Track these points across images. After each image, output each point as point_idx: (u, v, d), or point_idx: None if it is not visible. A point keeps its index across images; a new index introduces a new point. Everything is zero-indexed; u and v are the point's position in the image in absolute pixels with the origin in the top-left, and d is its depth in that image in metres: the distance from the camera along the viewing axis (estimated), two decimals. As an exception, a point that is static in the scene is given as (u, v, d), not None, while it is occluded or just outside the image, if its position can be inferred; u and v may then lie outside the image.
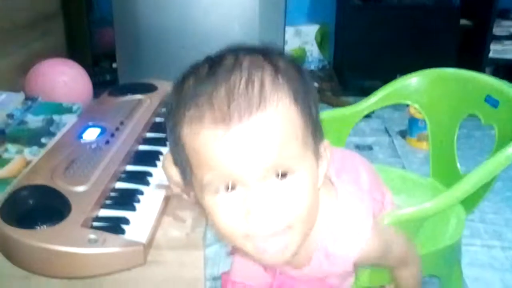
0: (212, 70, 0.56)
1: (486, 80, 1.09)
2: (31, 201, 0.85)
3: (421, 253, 0.87)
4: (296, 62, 0.60)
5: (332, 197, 0.69)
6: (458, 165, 1.12)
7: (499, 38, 2.74)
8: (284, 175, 0.55)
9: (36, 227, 0.77)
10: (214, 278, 1.30)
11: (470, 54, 2.79)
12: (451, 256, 1.06)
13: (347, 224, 0.68)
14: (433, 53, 2.60)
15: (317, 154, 0.60)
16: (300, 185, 0.56)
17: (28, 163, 1.11)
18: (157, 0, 2.32)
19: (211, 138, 0.53)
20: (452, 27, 2.70)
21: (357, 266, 0.74)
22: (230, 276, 0.90)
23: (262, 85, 0.53)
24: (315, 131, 0.59)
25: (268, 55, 0.57)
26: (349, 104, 1.21)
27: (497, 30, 2.72)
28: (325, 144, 0.62)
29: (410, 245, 0.81)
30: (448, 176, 1.13)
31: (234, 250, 0.91)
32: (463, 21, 2.75)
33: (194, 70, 0.59)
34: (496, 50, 2.74)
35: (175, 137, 0.59)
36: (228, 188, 0.55)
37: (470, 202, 1.02)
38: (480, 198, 1.01)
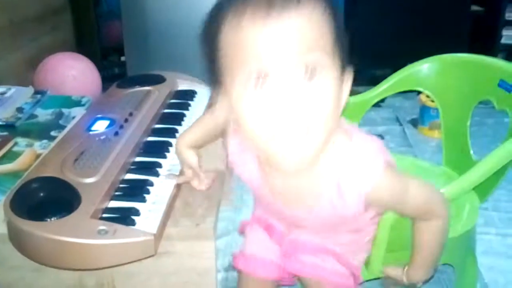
0: None
1: (499, 65, 1.06)
2: (41, 193, 0.85)
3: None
4: None
5: (346, 139, 0.70)
6: (472, 152, 1.10)
7: (511, 24, 2.69)
8: (312, 73, 0.58)
9: (47, 219, 0.77)
10: (226, 269, 1.30)
11: (482, 40, 2.75)
12: (466, 244, 1.05)
13: (359, 160, 0.68)
14: (444, 39, 2.55)
15: (342, 75, 0.63)
16: (325, 90, 0.59)
17: (38, 156, 1.12)
18: (164, -8, 2.31)
19: (249, 29, 0.57)
20: (463, 13, 2.65)
21: (370, 206, 0.72)
22: (242, 251, 0.90)
23: None
24: (342, 54, 0.63)
25: None
26: (359, 93, 1.19)
27: (509, 16, 2.67)
28: (349, 73, 0.66)
29: (435, 195, 0.77)
30: (461, 163, 1.12)
31: (244, 227, 0.93)
32: (474, 7, 2.70)
33: None
34: (509, 36, 2.70)
35: (212, 41, 0.63)
36: (258, 84, 0.58)
37: (483, 190, 1.00)
38: (494, 185, 1.00)
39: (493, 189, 1.01)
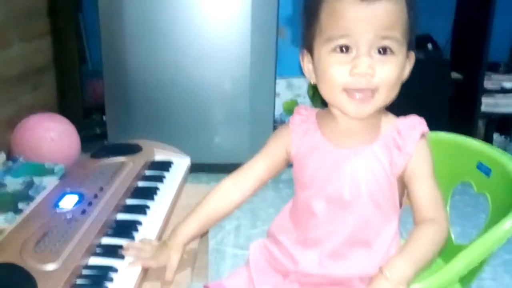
0: None
1: (478, 146, 1.05)
2: (-5, 282, 0.79)
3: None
4: None
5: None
6: (452, 234, 1.07)
7: (491, 92, 2.75)
8: (384, 51, 0.77)
9: (-3, 314, 0.71)
10: None
11: (462, 107, 2.79)
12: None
13: (410, 119, 0.88)
14: (425, 107, 2.57)
15: (407, 54, 0.81)
16: (393, 63, 0.77)
17: (1, 231, 1.06)
18: (147, 54, 2.33)
19: (347, 4, 0.75)
20: (443, 80, 2.71)
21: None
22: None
23: None
24: (411, 37, 0.80)
25: None
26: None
27: (488, 84, 2.73)
28: (412, 54, 0.83)
29: (443, 204, 0.87)
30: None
31: None
32: (454, 75, 2.76)
33: None
34: (488, 104, 2.75)
35: (314, 9, 0.80)
36: (343, 49, 0.77)
37: (466, 277, 0.97)
38: (478, 272, 0.96)
39: (476, 276, 0.98)
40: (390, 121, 0.87)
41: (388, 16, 0.75)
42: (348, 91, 0.78)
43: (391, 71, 0.77)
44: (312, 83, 0.85)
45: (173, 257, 0.90)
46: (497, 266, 1.65)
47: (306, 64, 0.85)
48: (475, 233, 0.97)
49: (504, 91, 2.75)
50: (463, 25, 2.85)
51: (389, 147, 0.84)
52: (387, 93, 0.79)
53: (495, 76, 2.77)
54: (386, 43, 0.76)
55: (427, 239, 0.82)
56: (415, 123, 0.86)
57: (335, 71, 0.77)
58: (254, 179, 0.94)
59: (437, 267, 0.93)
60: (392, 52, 0.77)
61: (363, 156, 0.84)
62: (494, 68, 2.78)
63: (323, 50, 0.79)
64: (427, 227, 0.83)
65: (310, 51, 0.83)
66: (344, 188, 0.84)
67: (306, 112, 0.92)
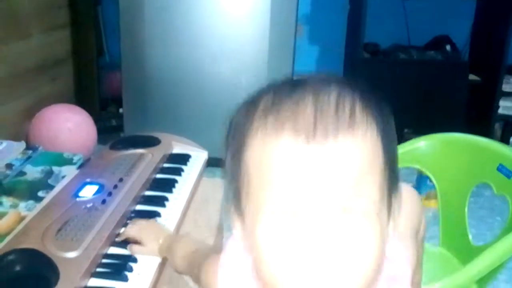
0: (296, 88, 0.49)
1: (498, 148, 1.05)
2: (18, 267, 0.81)
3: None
4: (378, 95, 0.53)
5: None
6: (470, 237, 1.07)
7: (508, 95, 2.72)
8: (353, 212, 0.46)
9: (20, 298, 0.73)
10: None
11: (479, 110, 2.77)
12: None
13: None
14: (442, 108, 2.58)
15: (389, 207, 0.51)
16: (370, 233, 0.47)
17: (22, 218, 1.08)
18: (165, 48, 2.34)
19: (286, 151, 0.46)
20: (460, 82, 2.69)
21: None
22: None
23: (353, 106, 0.48)
24: (392, 181, 0.50)
25: (352, 82, 0.52)
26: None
27: (506, 87, 2.70)
28: (399, 197, 0.52)
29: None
30: (459, 247, 1.08)
31: None
32: (471, 77, 2.74)
33: (272, 88, 0.52)
34: (506, 107, 2.72)
35: (237, 154, 0.51)
36: (286, 215, 0.47)
37: (483, 279, 0.97)
38: (495, 274, 0.96)
39: (493, 278, 0.98)
40: None
41: (355, 161, 0.46)
42: (300, 282, 0.47)
43: (368, 246, 0.47)
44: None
45: (151, 252, 0.90)
46: (512, 269, 1.64)
47: (235, 225, 0.55)
48: (490, 235, 0.97)
49: (522, 94, 2.73)
50: (482, 27, 2.83)
51: None
52: (364, 280, 0.48)
53: (513, 79, 2.74)
54: (355, 203, 0.46)
55: None
56: (402, 256, 0.59)
57: (277, 252, 0.47)
58: None
59: (454, 267, 0.93)
60: (366, 216, 0.47)
61: None
62: (513, 71, 2.75)
63: (258, 221, 0.49)
64: None
65: (242, 213, 0.53)
66: None
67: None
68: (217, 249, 0.70)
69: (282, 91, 0.50)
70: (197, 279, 0.75)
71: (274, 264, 0.48)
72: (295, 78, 0.54)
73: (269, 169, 0.47)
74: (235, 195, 0.53)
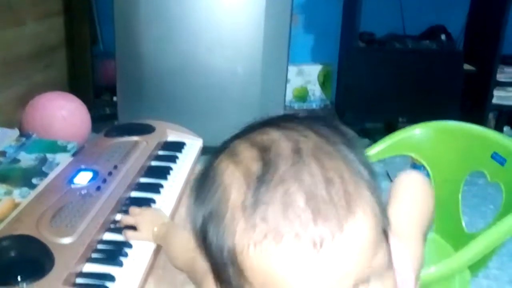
0: (270, 167, 0.42)
1: (493, 137, 1.05)
2: (12, 253, 0.81)
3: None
4: (336, 124, 0.47)
5: None
6: (463, 224, 1.08)
7: (503, 84, 2.73)
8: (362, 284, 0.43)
9: (16, 284, 0.73)
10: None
11: (474, 99, 2.78)
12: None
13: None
14: (436, 97, 2.58)
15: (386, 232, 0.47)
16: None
17: (16, 205, 1.07)
18: (160, 37, 2.32)
19: (294, 259, 0.40)
20: (455, 71, 2.69)
21: None
22: None
23: (343, 183, 0.42)
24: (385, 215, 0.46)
25: (317, 129, 0.46)
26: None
27: (500, 76, 2.71)
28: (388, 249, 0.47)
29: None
30: (452, 233, 1.09)
31: None
32: (466, 66, 2.74)
33: (236, 161, 0.44)
34: (500, 96, 2.73)
35: (226, 259, 0.43)
36: None
37: (475, 264, 0.98)
38: (487, 260, 0.97)
39: (485, 264, 0.98)
40: None
41: (368, 243, 0.42)
42: None
43: None
44: None
45: (145, 239, 0.90)
46: (503, 255, 1.66)
47: None
48: (483, 222, 0.98)
49: (516, 84, 2.74)
50: (478, 17, 2.83)
51: None
52: None
53: (508, 69, 2.74)
54: (372, 276, 0.43)
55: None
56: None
57: None
58: None
59: (447, 253, 0.94)
60: (381, 277, 0.44)
61: None
62: (507, 61, 2.75)
63: None
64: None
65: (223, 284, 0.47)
66: None
67: None
68: None
69: (254, 177, 0.42)
70: (195, 283, 0.74)
71: None
72: (245, 133, 0.46)
73: (275, 276, 0.41)
74: (217, 273, 0.46)
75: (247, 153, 0.44)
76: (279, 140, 0.44)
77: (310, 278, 0.40)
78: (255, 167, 0.42)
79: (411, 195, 0.69)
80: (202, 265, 0.59)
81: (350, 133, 0.48)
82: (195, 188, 0.46)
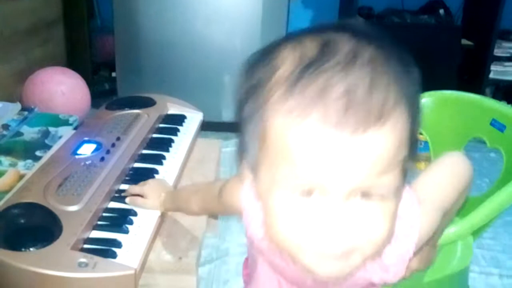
0: (325, 56, 0.45)
1: (492, 104, 1.08)
2: (22, 220, 0.83)
3: (429, 280, 0.84)
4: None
5: None
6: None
7: (500, 59, 2.74)
8: (370, 196, 0.47)
9: (25, 249, 0.75)
10: (207, 299, 1.28)
11: (471, 74, 2.79)
12: (459, 283, 1.04)
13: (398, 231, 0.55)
14: (434, 72, 2.57)
15: (403, 180, 0.50)
16: (383, 214, 0.48)
17: (21, 176, 1.09)
18: (158, 11, 2.31)
19: (311, 139, 0.45)
20: (453, 47, 2.69)
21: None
22: None
23: (386, 94, 0.45)
24: (413, 149, 0.49)
25: (382, 46, 0.48)
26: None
27: (498, 51, 2.71)
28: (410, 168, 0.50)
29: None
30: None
31: (248, 278, 0.76)
32: (464, 41, 2.74)
33: (294, 45, 0.48)
34: (497, 71, 2.74)
35: (256, 114, 0.48)
36: (303, 193, 0.47)
37: (478, 230, 1.00)
38: (489, 224, 1.00)
39: (487, 228, 1.01)
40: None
41: (382, 158, 0.45)
42: (311, 249, 0.49)
43: (379, 226, 0.48)
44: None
45: (153, 205, 0.92)
46: (498, 226, 1.70)
47: (246, 175, 0.54)
48: (478, 195, 1.00)
49: (513, 59, 2.74)
50: (476, -9, 2.82)
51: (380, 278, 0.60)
52: (371, 254, 0.50)
53: (506, 44, 2.75)
54: (373, 191, 0.47)
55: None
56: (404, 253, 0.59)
57: (290, 226, 0.49)
58: None
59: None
60: (384, 198, 0.47)
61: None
62: (505, 36, 2.75)
63: (273, 192, 0.49)
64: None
65: (255, 171, 0.52)
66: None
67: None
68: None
69: (307, 59, 0.46)
70: (215, 207, 0.78)
71: (283, 231, 0.49)
72: (316, 28, 0.49)
73: (292, 147, 0.45)
74: (248, 150, 0.51)
75: (310, 43, 0.47)
76: (344, 42, 0.47)
77: (322, 155, 0.44)
78: (312, 52, 0.46)
79: (445, 172, 0.70)
80: (215, 185, 0.70)
81: (417, 73, 0.51)
82: (251, 60, 0.51)
